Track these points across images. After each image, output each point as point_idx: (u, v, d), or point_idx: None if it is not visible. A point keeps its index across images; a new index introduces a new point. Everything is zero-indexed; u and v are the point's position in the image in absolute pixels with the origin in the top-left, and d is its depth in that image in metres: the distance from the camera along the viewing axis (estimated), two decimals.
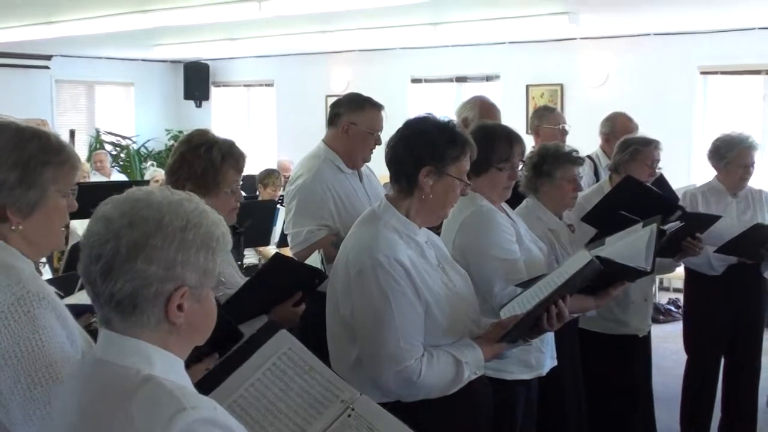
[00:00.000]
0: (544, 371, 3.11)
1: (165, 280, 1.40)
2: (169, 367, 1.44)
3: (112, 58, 12.39)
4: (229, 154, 2.72)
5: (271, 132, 12.36)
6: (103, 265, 1.40)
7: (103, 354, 1.45)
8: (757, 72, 8.52)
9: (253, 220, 5.49)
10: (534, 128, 5.29)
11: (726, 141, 4.39)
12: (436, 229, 2.69)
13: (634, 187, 3.71)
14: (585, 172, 4.84)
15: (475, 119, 4.40)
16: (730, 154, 4.34)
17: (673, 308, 8.08)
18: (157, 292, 1.40)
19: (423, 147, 2.42)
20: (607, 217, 3.58)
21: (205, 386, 1.89)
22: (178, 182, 2.64)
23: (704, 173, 7.53)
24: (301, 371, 1.97)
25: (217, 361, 2.10)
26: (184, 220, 1.42)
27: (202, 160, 2.67)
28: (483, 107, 4.67)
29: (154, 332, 1.43)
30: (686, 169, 8.43)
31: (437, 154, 2.41)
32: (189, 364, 1.95)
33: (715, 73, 8.79)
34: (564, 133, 5.06)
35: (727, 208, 4.29)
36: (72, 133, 9.82)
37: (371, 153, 3.73)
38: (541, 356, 3.07)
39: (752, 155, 4.35)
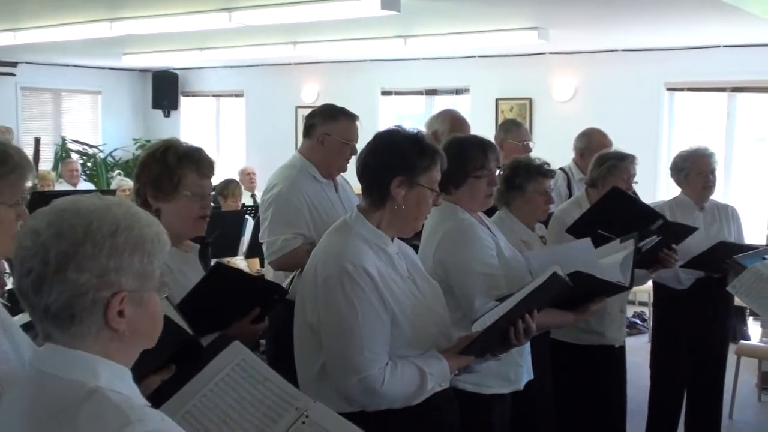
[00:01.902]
0: (522, 385, 3.11)
1: (100, 288, 1.38)
2: (115, 377, 1.41)
3: (79, 66, 12.26)
4: (186, 157, 2.63)
5: (240, 143, 12.29)
6: (34, 278, 1.38)
7: (46, 367, 1.42)
8: (722, 89, 8.67)
9: (221, 231, 5.45)
10: (498, 141, 5.29)
11: (681, 154, 4.48)
12: (410, 241, 2.68)
13: (619, 198, 3.76)
14: (559, 184, 4.87)
15: (445, 133, 4.41)
16: (686, 165, 4.41)
17: (638, 321, 8.16)
18: (93, 300, 1.38)
19: (394, 158, 2.42)
20: (591, 230, 3.61)
21: (158, 397, 1.87)
22: (140, 188, 2.64)
23: (670, 188, 7.59)
24: (254, 381, 1.96)
25: (173, 372, 2.06)
26: (114, 224, 1.40)
27: (157, 163, 2.62)
28: (453, 121, 4.68)
29: (96, 342, 1.41)
30: (652, 184, 8.52)
31: (408, 165, 2.42)
32: (145, 376, 1.94)
33: (681, 89, 8.93)
34: (528, 149, 5.02)
35: (695, 222, 4.32)
36: (37, 141, 9.64)
37: (347, 162, 3.74)
38: (519, 370, 3.08)
39: (709, 163, 4.39)
